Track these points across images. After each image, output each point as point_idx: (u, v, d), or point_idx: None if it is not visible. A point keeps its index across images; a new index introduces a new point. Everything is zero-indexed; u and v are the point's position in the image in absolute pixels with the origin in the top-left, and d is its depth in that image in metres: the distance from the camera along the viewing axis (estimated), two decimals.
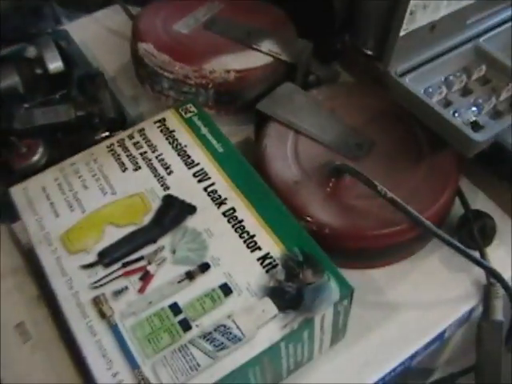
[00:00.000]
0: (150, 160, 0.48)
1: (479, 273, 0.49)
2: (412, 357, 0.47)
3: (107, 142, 0.50)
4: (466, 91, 0.50)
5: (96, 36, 0.73)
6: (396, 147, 0.51)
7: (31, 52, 0.66)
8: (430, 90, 0.47)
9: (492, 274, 0.47)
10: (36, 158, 0.55)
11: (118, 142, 0.50)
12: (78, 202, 0.46)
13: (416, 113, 0.47)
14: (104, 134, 0.57)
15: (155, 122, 0.51)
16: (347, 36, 0.63)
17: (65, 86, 0.61)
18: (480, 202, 0.54)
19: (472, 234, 0.48)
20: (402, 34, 0.44)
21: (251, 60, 0.58)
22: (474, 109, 0.47)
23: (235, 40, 0.60)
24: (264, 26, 0.62)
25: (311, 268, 0.41)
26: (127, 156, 0.49)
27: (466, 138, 0.43)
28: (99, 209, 0.46)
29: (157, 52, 0.57)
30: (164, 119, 0.51)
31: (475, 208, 0.52)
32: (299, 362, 0.44)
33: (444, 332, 0.49)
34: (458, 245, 0.45)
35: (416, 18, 0.43)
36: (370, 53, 0.59)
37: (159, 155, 0.49)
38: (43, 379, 0.42)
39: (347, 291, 0.40)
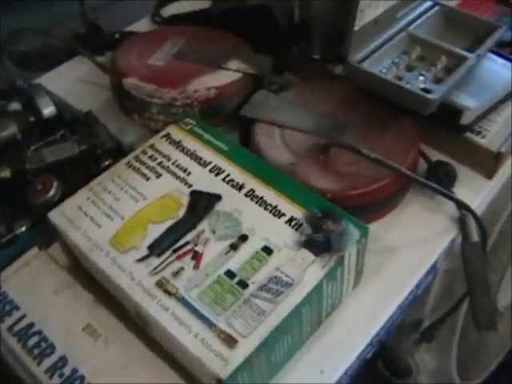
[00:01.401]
0: (167, 167, 0.56)
1: (452, 209, 0.60)
2: (417, 285, 0.57)
3: (125, 161, 0.57)
4: (410, 68, 0.63)
5: (66, 85, 0.79)
6: (364, 124, 0.62)
7: (15, 106, 0.71)
8: (384, 70, 0.59)
9: (462, 205, 0.58)
10: (52, 192, 0.60)
11: (134, 158, 0.57)
12: (114, 212, 0.52)
13: (377, 90, 0.58)
14: (108, 162, 0.63)
15: (162, 137, 0.59)
16: (295, 49, 0.74)
17: (58, 127, 0.67)
18: (435, 156, 0.65)
19: (440, 179, 0.59)
20: (355, 28, 0.55)
21: (225, 77, 0.67)
22: (420, 79, 0.59)
23: (205, 64, 0.70)
24: (225, 49, 0.72)
25: (330, 219, 0.50)
26: (146, 168, 0.56)
27: (422, 99, 0.55)
28: (137, 213, 0.52)
29: (143, 83, 0.65)
30: (169, 134, 0.59)
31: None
32: (333, 303, 0.52)
33: (436, 263, 0.59)
34: (435, 185, 0.56)
35: (364, 15, 0.55)
36: (317, 57, 0.71)
37: (174, 162, 0.56)
38: (123, 366, 0.47)
39: (364, 230, 0.49)
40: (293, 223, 0.50)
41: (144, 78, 0.66)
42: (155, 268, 0.48)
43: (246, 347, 0.43)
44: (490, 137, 0.62)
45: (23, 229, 0.58)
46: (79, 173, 0.63)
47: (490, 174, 0.63)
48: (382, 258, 0.57)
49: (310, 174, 0.57)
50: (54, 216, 0.53)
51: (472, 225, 0.58)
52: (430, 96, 0.55)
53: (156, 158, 0.57)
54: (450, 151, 0.64)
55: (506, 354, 1.06)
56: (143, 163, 0.57)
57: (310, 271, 0.47)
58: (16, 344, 0.49)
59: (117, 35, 0.85)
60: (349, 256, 0.49)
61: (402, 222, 0.60)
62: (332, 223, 0.50)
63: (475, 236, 0.57)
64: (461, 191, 0.62)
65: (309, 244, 0.48)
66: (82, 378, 0.46)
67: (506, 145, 0.61)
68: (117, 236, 0.51)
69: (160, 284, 0.47)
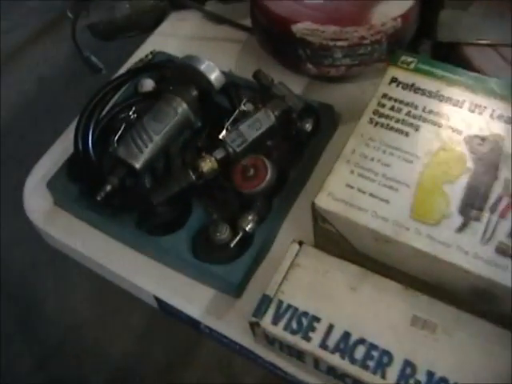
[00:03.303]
0: (420, 116, 0.47)
1: None
2: None
3: (365, 119, 0.48)
4: None
5: (179, 47, 0.67)
6: None
7: (148, 84, 0.60)
8: None
9: None
10: (269, 175, 0.50)
11: (373, 113, 0.48)
12: (393, 180, 0.44)
13: None
14: (310, 126, 0.54)
15: (389, 84, 0.50)
16: None
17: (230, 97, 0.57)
18: None
19: None
20: None
21: (400, 1, 0.58)
22: None
23: None
24: None
25: None
26: (396, 122, 0.47)
27: None
28: (421, 176, 0.45)
29: (321, 26, 0.55)
30: (395, 78, 0.50)
31: None
32: None
33: None
34: None
35: None
36: None
37: (424, 108, 0.48)
38: (484, 351, 0.41)
39: None
40: None
41: (318, 19, 0.56)
42: (484, 233, 0.42)
43: None
44: None
45: (250, 225, 0.50)
46: (283, 145, 0.54)
47: None
48: None
49: None
50: (325, 202, 0.44)
51: None
52: None
53: (401, 109, 0.48)
54: None
55: None
56: (389, 117, 0.48)
57: None
58: (340, 361, 0.41)
59: None
60: None
61: None
62: None
63: None
64: None
65: None
66: (445, 380, 0.40)
67: None
68: (416, 208, 0.43)
69: (501, 250, 0.41)
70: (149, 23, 0.71)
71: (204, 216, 0.52)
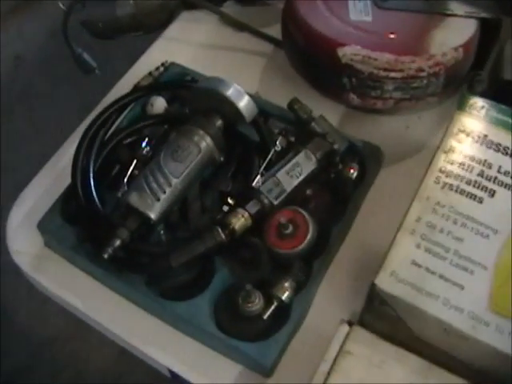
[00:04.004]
0: (495, 178, 0.40)
1: None
2: None
3: (430, 179, 0.41)
4: None
5: (188, 55, 0.58)
6: None
7: (159, 103, 0.51)
8: None
9: None
10: (310, 234, 0.43)
11: (440, 171, 0.41)
12: (468, 260, 0.37)
13: None
14: (354, 172, 0.46)
15: (457, 134, 0.43)
16: None
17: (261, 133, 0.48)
18: None
19: None
20: None
21: (460, 29, 0.50)
22: None
23: (423, 11, 0.52)
24: None
25: None
26: (467, 183, 0.40)
27: None
28: (499, 256, 0.37)
29: (374, 53, 0.47)
30: (464, 128, 0.43)
31: None
32: None
33: None
34: None
35: None
36: None
37: (499, 168, 0.40)
38: None
39: None
40: None
41: (369, 43, 0.48)
42: None
43: None
44: None
45: (287, 293, 0.42)
46: (323, 195, 0.46)
47: None
48: None
49: None
50: (387, 284, 0.37)
51: None
52: None
53: (472, 168, 0.41)
54: None
55: None
56: (459, 178, 0.41)
57: None
58: None
59: None
60: None
61: None
62: None
63: None
64: None
65: None
66: None
67: None
68: (495, 297, 0.36)
69: None
70: (155, 23, 0.62)
71: (228, 276, 0.44)
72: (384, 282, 0.37)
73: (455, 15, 0.51)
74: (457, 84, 0.51)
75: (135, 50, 0.63)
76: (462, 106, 0.44)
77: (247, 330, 0.42)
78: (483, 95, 0.47)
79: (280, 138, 0.47)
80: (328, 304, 0.45)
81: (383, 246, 0.45)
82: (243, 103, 0.46)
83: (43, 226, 0.46)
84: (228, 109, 0.47)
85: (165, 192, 0.43)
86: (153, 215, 0.42)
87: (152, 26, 0.62)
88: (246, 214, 0.42)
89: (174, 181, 0.43)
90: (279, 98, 0.53)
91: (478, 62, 0.52)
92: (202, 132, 0.45)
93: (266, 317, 0.42)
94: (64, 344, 1.02)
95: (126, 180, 0.45)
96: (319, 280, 0.44)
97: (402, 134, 0.52)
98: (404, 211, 0.47)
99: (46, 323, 1.02)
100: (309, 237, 0.43)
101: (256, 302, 0.41)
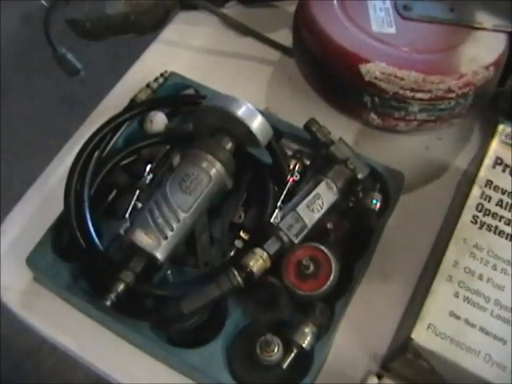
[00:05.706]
0: None
1: None
2: None
3: (466, 217, 0.37)
4: None
5: (186, 63, 0.52)
6: None
7: (159, 118, 0.46)
8: None
9: None
10: (333, 275, 0.39)
11: (477, 209, 0.38)
12: (508, 310, 0.34)
13: None
14: (377, 202, 0.42)
15: (493, 167, 0.39)
16: None
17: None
18: None
19: None
20: None
21: (490, 44, 0.46)
22: None
23: (443, 21, 0.48)
24: None
25: None
26: (506, 223, 0.37)
27: None
28: None
29: (400, 71, 0.43)
30: (500, 159, 0.40)
31: None
32: None
33: None
34: None
35: None
36: None
37: None
38: None
39: None
40: None
41: (394, 60, 0.43)
42: None
43: None
44: None
45: (308, 340, 0.38)
46: (344, 228, 0.42)
47: None
48: None
49: None
50: (424, 338, 0.34)
51: None
52: None
53: (507, 204, 0.38)
54: None
55: None
56: (497, 217, 0.37)
57: None
58: None
59: None
60: None
61: None
62: None
63: None
64: None
65: None
66: None
67: None
68: None
69: None
70: (149, 24, 0.56)
71: (242, 318, 0.40)
72: (421, 336, 0.34)
73: (484, 29, 0.47)
74: (482, 103, 0.48)
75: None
76: (497, 134, 0.41)
77: (265, 379, 0.38)
78: (508, 113, 0.45)
79: (295, 162, 0.43)
80: (347, 344, 0.42)
81: (404, 278, 0.43)
82: (256, 124, 0.42)
83: (33, 262, 0.41)
84: (239, 130, 0.42)
85: (172, 229, 0.38)
86: (160, 256, 0.38)
87: (145, 27, 0.56)
88: (265, 255, 0.38)
89: (183, 215, 0.39)
90: (289, 113, 0.49)
91: (501, 78, 0.49)
92: (210, 157, 0.41)
93: (285, 366, 0.38)
94: (47, 353, 0.96)
95: (127, 214, 0.40)
96: (340, 321, 0.41)
97: (422, 155, 0.49)
98: (426, 239, 0.45)
99: (29, 332, 0.96)
100: (332, 277, 0.39)
101: (276, 352, 0.38)
